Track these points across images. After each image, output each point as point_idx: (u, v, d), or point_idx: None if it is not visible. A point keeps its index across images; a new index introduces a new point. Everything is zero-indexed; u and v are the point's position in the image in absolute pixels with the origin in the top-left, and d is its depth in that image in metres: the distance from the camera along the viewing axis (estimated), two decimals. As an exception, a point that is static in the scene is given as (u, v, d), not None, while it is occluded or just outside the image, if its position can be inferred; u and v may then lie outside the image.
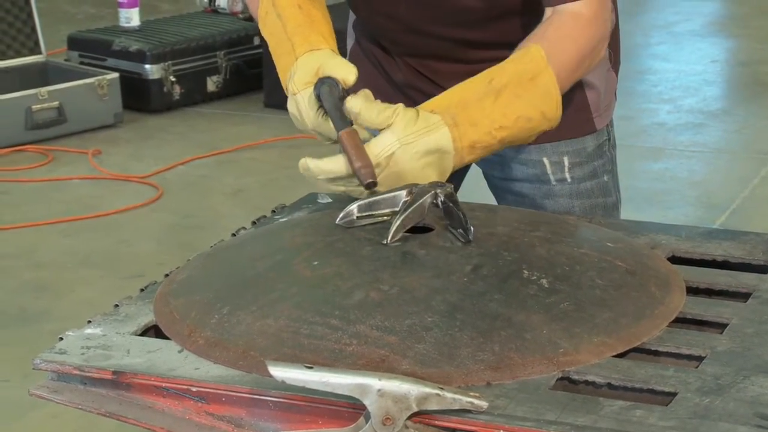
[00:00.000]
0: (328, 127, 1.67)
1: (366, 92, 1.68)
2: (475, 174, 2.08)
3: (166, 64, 5.79)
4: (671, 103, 5.86)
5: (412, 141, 1.61)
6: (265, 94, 5.78)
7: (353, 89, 1.69)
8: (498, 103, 1.66)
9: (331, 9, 1.91)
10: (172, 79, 5.81)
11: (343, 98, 1.66)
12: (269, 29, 1.82)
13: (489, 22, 1.76)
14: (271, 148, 5.15)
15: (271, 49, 1.82)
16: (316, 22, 1.79)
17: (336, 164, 1.63)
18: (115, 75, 5.58)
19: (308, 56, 1.73)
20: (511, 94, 1.67)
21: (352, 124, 1.64)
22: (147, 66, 5.76)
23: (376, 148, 1.61)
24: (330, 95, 1.67)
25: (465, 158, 1.66)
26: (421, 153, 1.62)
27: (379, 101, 1.64)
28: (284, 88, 1.76)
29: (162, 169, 5.06)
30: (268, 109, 5.69)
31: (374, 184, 1.59)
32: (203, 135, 5.50)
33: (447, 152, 1.64)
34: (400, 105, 1.63)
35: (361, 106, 1.62)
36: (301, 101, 1.70)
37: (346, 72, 1.69)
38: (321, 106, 1.68)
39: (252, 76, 5.93)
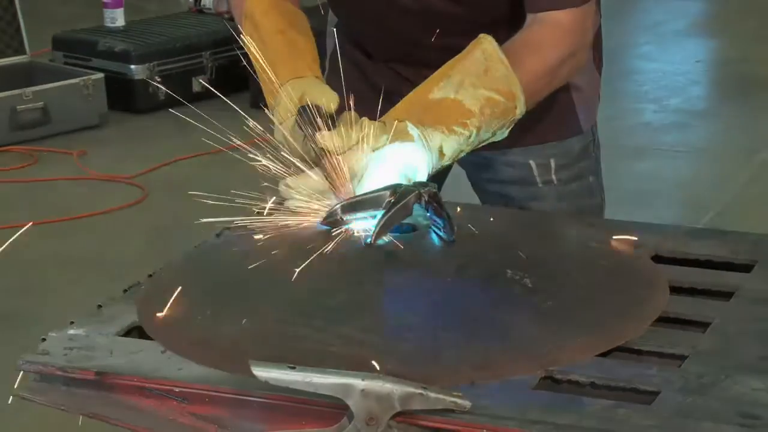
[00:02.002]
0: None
1: (348, 115, 1.70)
2: (458, 175, 2.07)
3: (152, 64, 5.77)
4: (657, 103, 5.87)
5: (385, 148, 1.62)
6: (251, 94, 5.77)
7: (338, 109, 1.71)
8: (459, 97, 1.68)
9: (309, 11, 1.91)
10: (158, 79, 5.80)
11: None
12: (253, 54, 1.83)
13: (478, 31, 1.77)
14: (257, 149, 5.13)
15: (257, 72, 1.83)
16: (299, 48, 1.80)
17: (313, 179, 1.64)
18: (100, 75, 5.57)
19: (292, 84, 1.74)
20: (469, 85, 1.69)
21: None
22: (132, 66, 5.75)
23: (351, 160, 1.62)
24: (311, 124, 1.67)
25: (440, 158, 1.67)
26: (396, 159, 1.62)
27: (347, 126, 1.65)
28: (270, 114, 1.77)
29: (147, 170, 5.04)
30: (253, 110, 5.66)
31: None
32: (189, 136, 5.48)
33: (421, 155, 1.64)
34: (365, 119, 1.65)
35: (331, 137, 1.62)
36: (286, 130, 1.71)
37: (328, 99, 1.69)
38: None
39: (238, 76, 5.91)
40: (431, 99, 1.69)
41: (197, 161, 5.15)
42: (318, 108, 1.68)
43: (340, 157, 1.63)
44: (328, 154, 1.63)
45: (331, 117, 1.69)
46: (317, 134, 1.64)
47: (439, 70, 1.72)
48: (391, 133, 1.64)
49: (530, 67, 1.73)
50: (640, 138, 5.37)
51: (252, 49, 1.84)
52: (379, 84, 1.98)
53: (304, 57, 1.79)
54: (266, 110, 1.80)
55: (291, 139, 1.71)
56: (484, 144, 1.74)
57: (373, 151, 1.63)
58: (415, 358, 1.34)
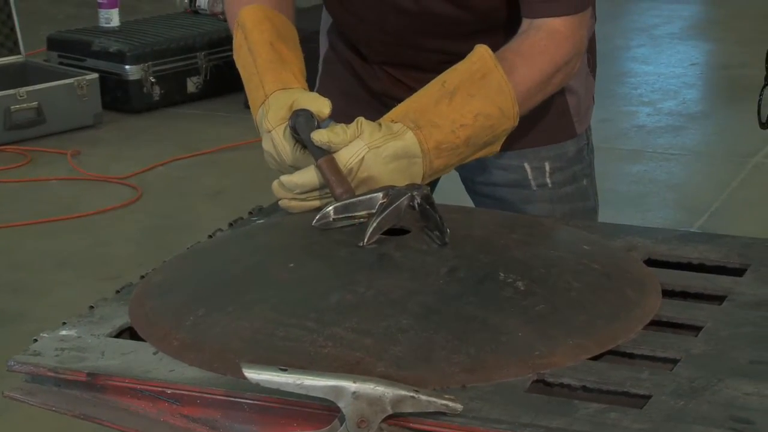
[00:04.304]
0: (306, 160, 1.67)
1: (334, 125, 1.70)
2: (452, 177, 2.07)
3: (146, 64, 5.77)
4: (651, 106, 5.87)
5: (380, 145, 1.63)
6: (245, 95, 5.76)
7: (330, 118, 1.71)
8: (454, 104, 1.69)
9: (303, 13, 1.91)
10: (152, 79, 5.79)
11: (318, 129, 1.67)
12: (241, 62, 1.84)
13: (476, 35, 1.78)
14: (251, 150, 5.12)
15: (243, 81, 1.83)
16: (287, 61, 1.80)
17: (308, 176, 1.65)
18: (95, 75, 5.56)
19: (280, 94, 1.74)
20: (464, 93, 1.70)
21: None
22: (127, 66, 5.74)
23: (346, 156, 1.63)
24: (307, 126, 1.67)
25: (433, 162, 1.67)
26: (390, 157, 1.64)
27: (343, 124, 1.65)
28: (255, 124, 1.77)
29: (141, 170, 5.04)
30: (248, 111, 5.62)
31: None
32: (183, 136, 5.48)
33: (415, 156, 1.65)
34: (361, 118, 1.66)
35: (327, 134, 1.63)
36: (277, 137, 1.70)
37: (321, 105, 1.70)
38: (297, 140, 1.69)
39: (232, 77, 5.89)
40: (427, 104, 1.69)
41: (191, 161, 5.15)
42: (311, 113, 1.68)
43: (342, 172, 1.62)
44: (323, 152, 1.63)
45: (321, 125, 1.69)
46: (312, 132, 1.64)
47: (437, 77, 1.73)
48: (387, 132, 1.64)
49: (524, 75, 1.73)
50: (633, 141, 5.37)
51: (239, 59, 1.84)
52: (373, 86, 1.99)
53: (291, 69, 1.79)
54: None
55: (283, 144, 1.70)
56: (475, 158, 1.74)
57: (369, 149, 1.63)
58: (407, 360, 1.33)
